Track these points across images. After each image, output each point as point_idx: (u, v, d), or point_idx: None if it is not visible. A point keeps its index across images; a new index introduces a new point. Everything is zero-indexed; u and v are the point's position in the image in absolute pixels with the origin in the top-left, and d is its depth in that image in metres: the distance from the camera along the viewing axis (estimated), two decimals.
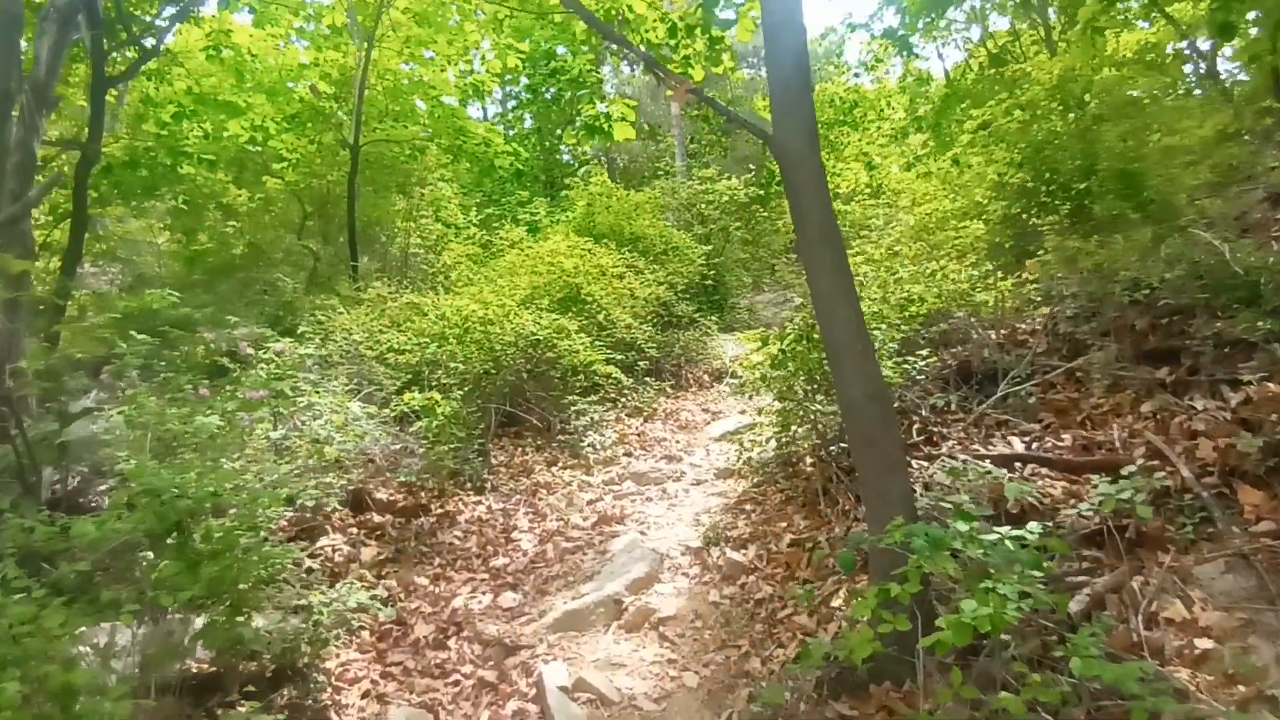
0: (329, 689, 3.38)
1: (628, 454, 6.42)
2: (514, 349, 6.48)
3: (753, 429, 5.46)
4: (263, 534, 3.29)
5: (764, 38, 3.05)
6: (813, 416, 4.65)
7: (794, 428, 4.78)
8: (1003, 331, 5.06)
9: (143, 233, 9.65)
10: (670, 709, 3.22)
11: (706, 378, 8.70)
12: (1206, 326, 4.04)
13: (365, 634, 3.82)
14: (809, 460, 4.75)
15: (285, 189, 10.27)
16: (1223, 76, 8.85)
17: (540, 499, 5.56)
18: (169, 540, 2.81)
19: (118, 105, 9.28)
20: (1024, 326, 5.08)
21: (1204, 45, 8.88)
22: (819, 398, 4.62)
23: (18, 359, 3.80)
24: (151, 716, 2.62)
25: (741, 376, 6.35)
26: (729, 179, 13.15)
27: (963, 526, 2.30)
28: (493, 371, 6.44)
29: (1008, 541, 2.27)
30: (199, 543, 2.81)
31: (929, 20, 12.63)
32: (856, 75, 16.50)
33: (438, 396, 5.60)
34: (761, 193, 15.28)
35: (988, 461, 3.79)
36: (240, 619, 2.92)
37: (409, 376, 6.32)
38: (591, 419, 6.63)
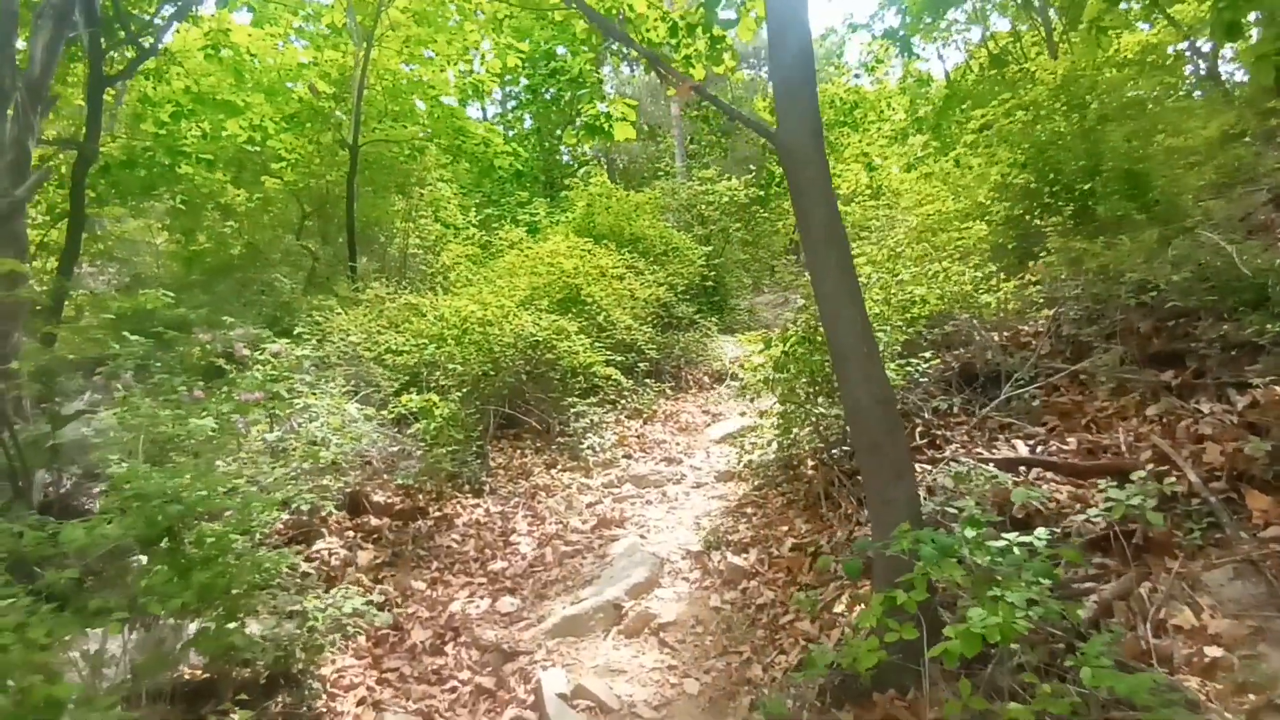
0: (324, 696, 3.33)
1: (627, 456, 6.37)
2: (513, 350, 6.43)
3: (753, 431, 5.42)
4: (258, 538, 3.24)
5: (768, 34, 3.01)
6: (814, 419, 4.60)
7: (795, 430, 4.74)
8: (1005, 333, 5.02)
9: (141, 233, 9.59)
10: (671, 717, 3.18)
11: (706, 379, 8.66)
12: (1212, 329, 4.00)
13: (361, 639, 3.77)
14: (810, 463, 4.71)
15: (284, 189, 10.23)
16: (1223, 78, 8.84)
17: (539, 502, 5.51)
18: (161, 545, 2.76)
19: (116, 104, 9.25)
20: (1027, 328, 5.03)
21: (1205, 46, 8.87)
22: (821, 400, 4.57)
23: (10, 360, 3.75)
24: None
25: (742, 378, 6.31)
26: (729, 180, 13.13)
27: (970, 533, 2.25)
28: (491, 373, 6.40)
29: (1016, 548, 2.22)
30: (191, 548, 2.76)
31: (930, 21, 12.60)
32: (857, 76, 16.50)
33: (436, 398, 5.55)
34: (762, 193, 15.27)
35: (992, 465, 3.75)
36: (233, 625, 2.87)
37: (407, 378, 6.27)
38: (591, 421, 6.59)
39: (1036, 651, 2.46)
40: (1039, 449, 3.93)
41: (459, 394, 5.96)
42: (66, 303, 5.62)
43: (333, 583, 4.03)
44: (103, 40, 5.99)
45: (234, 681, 3.10)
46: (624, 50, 11.46)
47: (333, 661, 3.56)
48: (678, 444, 6.67)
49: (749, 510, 4.78)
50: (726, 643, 3.58)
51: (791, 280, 12.63)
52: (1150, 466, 3.27)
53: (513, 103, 18.06)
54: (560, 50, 15.61)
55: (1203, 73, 9.08)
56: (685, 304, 9.59)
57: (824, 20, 34.24)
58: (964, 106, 11.38)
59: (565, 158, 18.15)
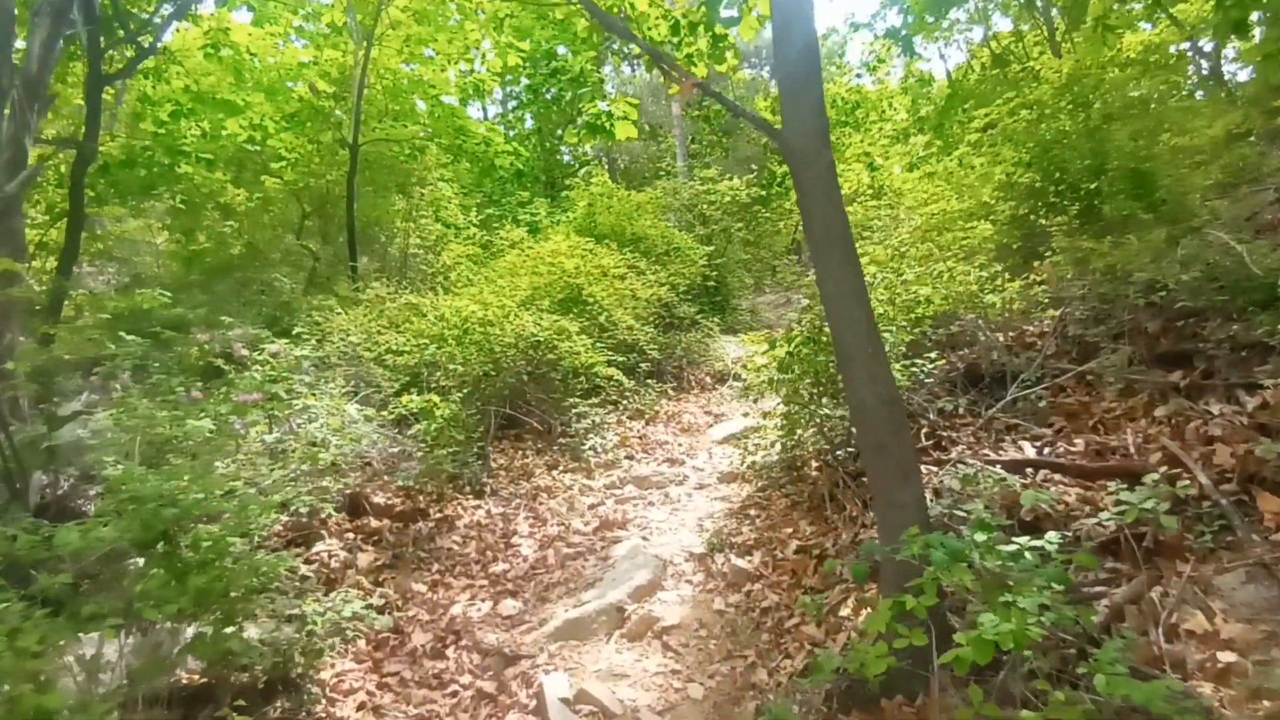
0: (323, 701, 3.29)
1: (629, 457, 6.34)
2: (514, 350, 6.39)
3: (756, 432, 5.38)
4: (256, 540, 3.20)
5: (773, 30, 2.97)
6: (818, 420, 4.56)
7: (799, 432, 4.70)
8: (1011, 334, 4.99)
9: (140, 232, 9.55)
10: None
11: (708, 380, 8.62)
12: (1221, 329, 3.96)
13: (361, 643, 3.73)
14: (814, 464, 4.67)
15: (284, 188, 10.19)
16: (1225, 78, 8.80)
17: (541, 503, 5.47)
18: (157, 549, 2.72)
19: (115, 103, 9.22)
20: (1032, 329, 5.00)
21: (1207, 46, 8.83)
22: (825, 401, 4.53)
23: (6, 360, 3.71)
24: None
25: (745, 379, 6.27)
26: (730, 179, 13.10)
27: (980, 537, 2.21)
28: (492, 373, 6.36)
29: (1028, 553, 2.18)
30: (187, 552, 2.72)
31: (932, 21, 12.56)
32: (858, 76, 16.49)
33: (436, 399, 5.51)
34: (763, 193, 15.24)
35: (999, 467, 3.71)
36: (231, 630, 2.83)
37: (407, 378, 6.23)
38: (593, 422, 6.55)
39: (1048, 657, 2.42)
40: (1046, 450, 3.89)
41: (460, 394, 5.92)
42: (66, 303, 5.57)
43: (332, 585, 3.99)
44: (101, 39, 5.95)
45: (232, 686, 3.06)
46: (625, 49, 11.42)
47: (332, 666, 3.52)
48: (680, 445, 6.63)
49: (752, 512, 4.74)
50: (731, 646, 3.54)
51: (793, 280, 12.60)
52: (1166, 470, 3.23)
53: (513, 102, 18.03)
54: (561, 50, 15.59)
55: (1205, 72, 9.05)
56: (687, 304, 9.56)
57: (826, 20, 34.23)
58: (966, 106, 11.34)
59: (566, 157, 18.13)
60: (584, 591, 4.22)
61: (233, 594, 2.86)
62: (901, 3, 11.23)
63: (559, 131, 17.10)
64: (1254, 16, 5.60)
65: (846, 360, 2.92)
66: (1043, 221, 5.48)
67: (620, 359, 7.19)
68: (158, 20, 6.93)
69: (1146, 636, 2.64)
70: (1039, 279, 5.01)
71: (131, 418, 3.34)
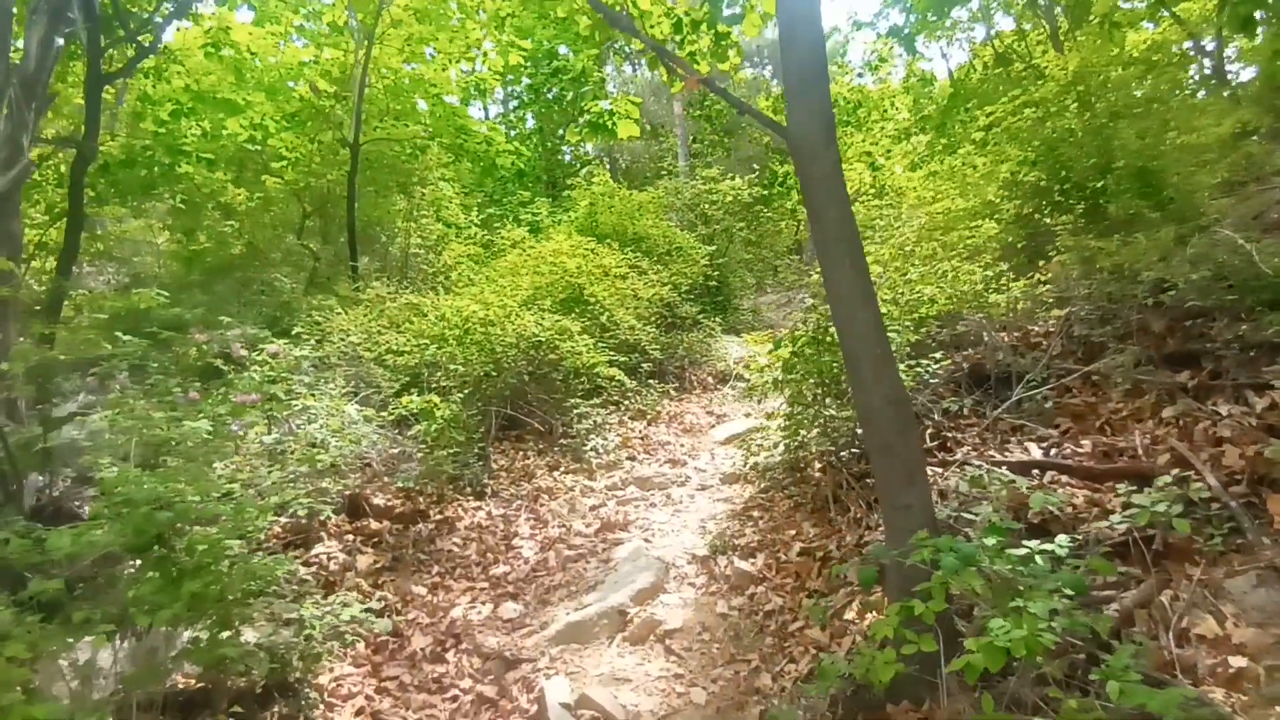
0: (321, 705, 3.25)
1: (631, 458, 6.29)
2: (515, 350, 6.36)
3: (759, 433, 5.34)
4: (253, 543, 3.16)
5: (779, 27, 2.93)
6: (823, 421, 4.52)
7: (803, 432, 4.66)
8: (1016, 334, 4.94)
9: (141, 232, 9.53)
10: None
11: (710, 380, 8.58)
12: (1229, 329, 3.92)
13: (360, 646, 3.69)
14: (818, 466, 4.62)
15: (284, 188, 10.16)
16: (1229, 76, 8.74)
17: (542, 505, 5.43)
18: (152, 552, 2.68)
19: (115, 103, 9.18)
20: (1037, 329, 4.95)
21: (1209, 45, 8.77)
22: (829, 401, 4.49)
23: (1, 361, 3.67)
24: None
25: (748, 379, 6.23)
26: (732, 179, 13.07)
27: (990, 540, 2.17)
28: (493, 373, 6.32)
29: (1039, 557, 2.13)
30: (182, 555, 2.68)
31: (934, 20, 12.50)
32: (860, 75, 16.44)
33: (437, 399, 5.47)
34: (765, 193, 15.20)
35: (1005, 468, 3.67)
36: (226, 635, 2.78)
37: (408, 379, 6.19)
38: (594, 422, 6.52)
39: (1059, 663, 2.37)
40: (1052, 451, 3.85)
41: (460, 395, 5.88)
42: (65, 303, 5.54)
43: (331, 588, 3.95)
44: (101, 37, 5.92)
45: (229, 691, 3.02)
46: (627, 48, 11.38)
47: (330, 670, 3.48)
48: (682, 445, 6.59)
49: (755, 513, 4.70)
50: (734, 650, 3.50)
51: (795, 280, 12.56)
52: (1177, 472, 3.18)
53: (515, 102, 18.00)
54: (563, 49, 15.55)
55: (1208, 71, 8.99)
56: (689, 304, 9.52)
57: (828, 19, 34.18)
58: (968, 105, 11.29)
59: (568, 157, 18.10)
60: (585, 594, 4.18)
61: (229, 598, 2.82)
62: (904, 2, 11.18)
63: (560, 131, 17.06)
64: (1257, 15, 5.56)
65: (854, 361, 2.88)
66: (1048, 220, 5.43)
67: (622, 359, 7.15)
68: (158, 19, 6.90)
69: (1157, 641, 2.61)
70: (1044, 278, 4.96)
71: (128, 419, 3.30)
